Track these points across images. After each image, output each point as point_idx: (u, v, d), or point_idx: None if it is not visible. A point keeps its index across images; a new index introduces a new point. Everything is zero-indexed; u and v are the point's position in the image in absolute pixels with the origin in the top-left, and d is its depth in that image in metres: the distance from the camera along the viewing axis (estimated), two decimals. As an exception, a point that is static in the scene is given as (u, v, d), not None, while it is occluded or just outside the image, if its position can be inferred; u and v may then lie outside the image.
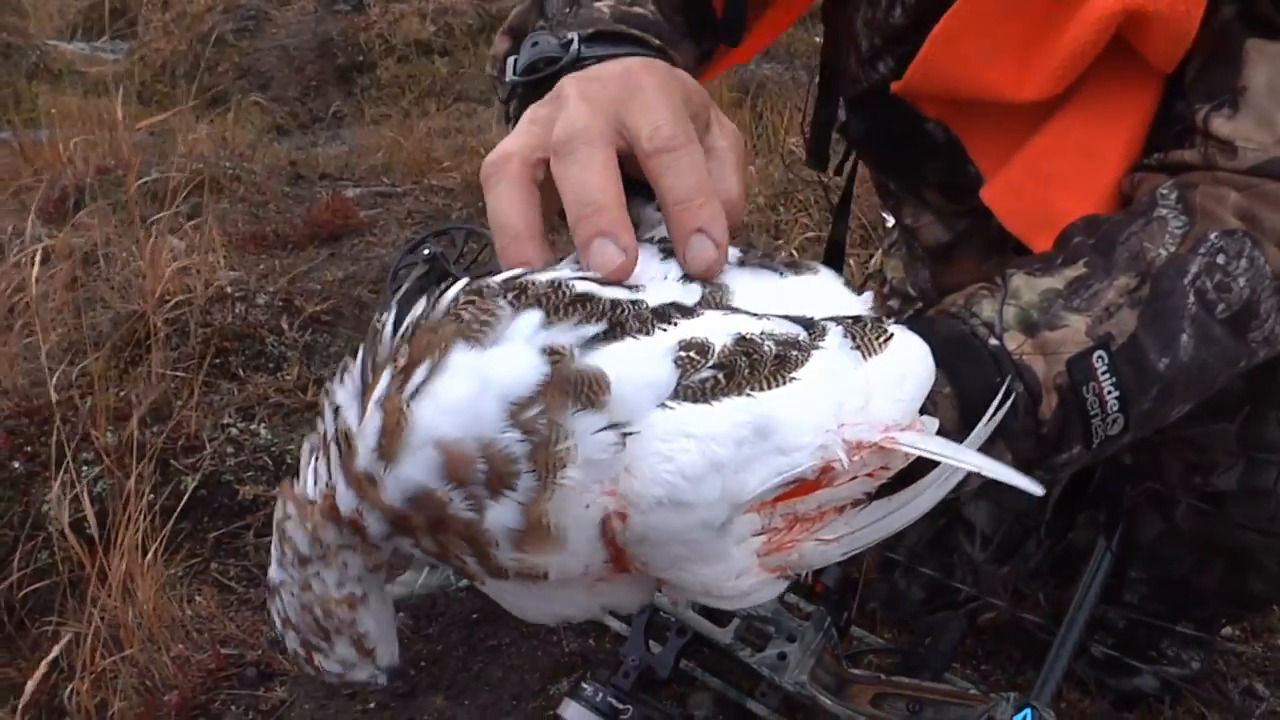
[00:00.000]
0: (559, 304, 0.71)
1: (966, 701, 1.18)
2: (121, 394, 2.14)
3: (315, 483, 0.79)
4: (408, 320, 0.75)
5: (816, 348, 0.72)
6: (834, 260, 1.64)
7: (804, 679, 1.23)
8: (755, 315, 0.75)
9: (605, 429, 0.67)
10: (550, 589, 0.74)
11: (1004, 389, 0.86)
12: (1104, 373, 0.92)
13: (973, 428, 0.77)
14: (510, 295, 0.72)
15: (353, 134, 4.69)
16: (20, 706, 1.56)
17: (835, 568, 1.30)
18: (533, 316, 0.70)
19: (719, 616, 1.31)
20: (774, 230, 2.89)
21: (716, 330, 0.72)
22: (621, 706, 1.25)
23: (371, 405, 0.73)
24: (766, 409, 0.68)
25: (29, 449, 2.07)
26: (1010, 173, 1.16)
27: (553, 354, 0.69)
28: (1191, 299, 0.95)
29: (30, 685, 1.57)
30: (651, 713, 1.26)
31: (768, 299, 0.79)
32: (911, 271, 1.72)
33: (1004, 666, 1.62)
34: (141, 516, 1.71)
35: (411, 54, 5.27)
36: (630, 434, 0.67)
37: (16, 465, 2.04)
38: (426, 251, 1.58)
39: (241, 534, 1.93)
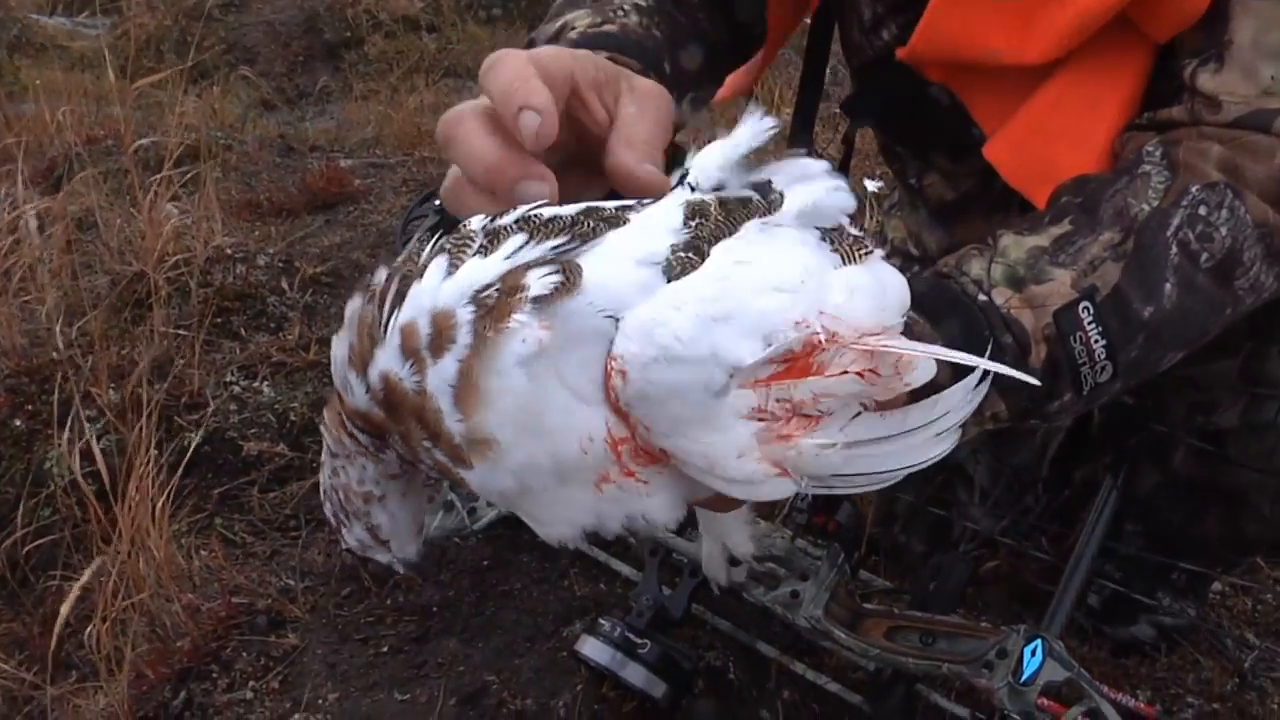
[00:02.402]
0: (536, 226, 0.76)
1: (979, 634, 1.21)
2: (123, 352, 2.14)
3: (334, 398, 0.86)
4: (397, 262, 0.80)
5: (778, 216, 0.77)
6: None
7: (818, 614, 1.25)
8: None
9: (554, 273, 0.72)
10: (552, 486, 0.77)
11: (992, 342, 0.91)
12: (1090, 322, 0.96)
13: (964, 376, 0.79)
14: (485, 229, 0.77)
15: (341, 109, 4.68)
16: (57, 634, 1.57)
17: (847, 505, 1.32)
18: (516, 239, 0.75)
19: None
20: (769, 199, 2.91)
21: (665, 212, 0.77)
22: (639, 641, 1.27)
23: (350, 322, 0.80)
24: (742, 282, 0.72)
25: (30, 408, 2.07)
26: (1012, 130, 1.20)
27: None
28: (1174, 250, 0.99)
29: (65, 608, 1.58)
30: (668, 649, 1.28)
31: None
32: (915, 231, 1.74)
33: (1004, 616, 1.65)
34: (150, 468, 1.71)
35: (399, 30, 5.26)
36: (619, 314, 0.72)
37: (18, 423, 2.04)
38: (438, 202, 1.60)
39: (246, 490, 1.94)
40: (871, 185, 2.73)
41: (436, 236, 0.79)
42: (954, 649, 1.21)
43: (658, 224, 0.76)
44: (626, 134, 0.91)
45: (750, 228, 0.76)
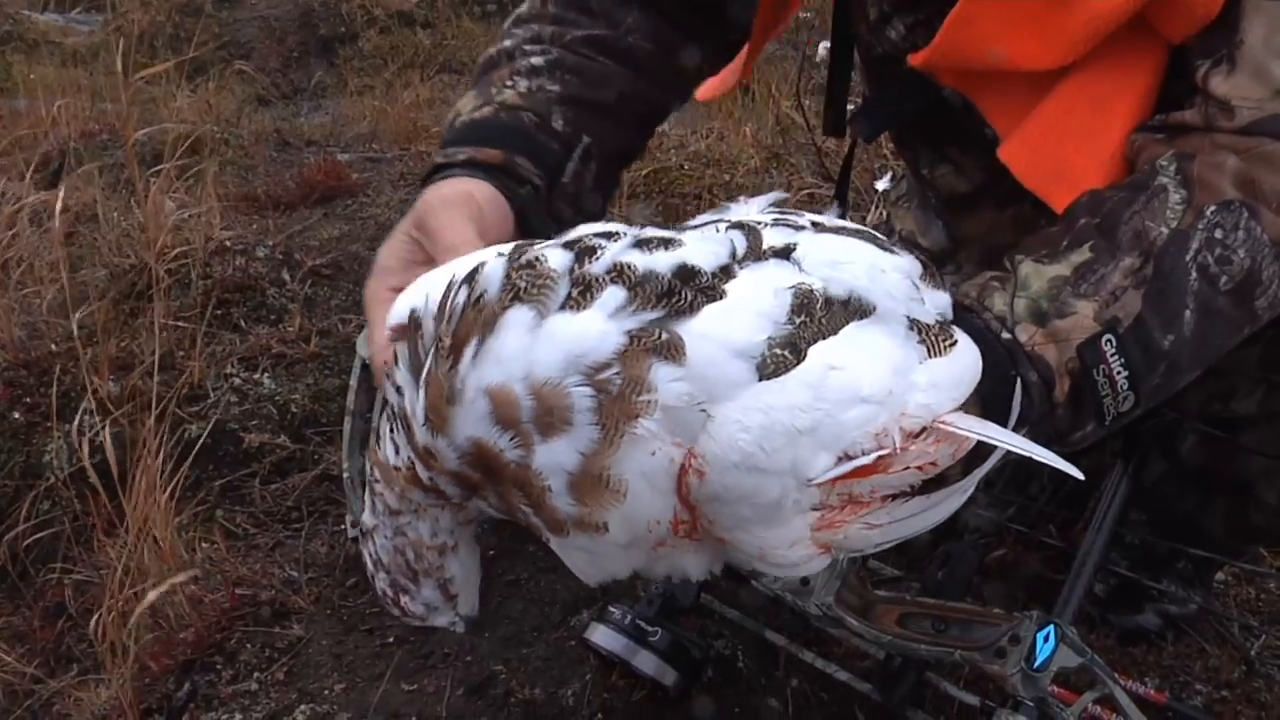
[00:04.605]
0: (633, 283, 0.77)
1: (991, 620, 1.20)
2: (122, 345, 2.13)
3: (397, 452, 0.85)
4: (449, 303, 0.81)
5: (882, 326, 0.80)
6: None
7: (830, 600, 1.24)
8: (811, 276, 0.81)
9: (681, 380, 0.72)
10: (615, 550, 0.78)
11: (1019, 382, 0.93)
12: (1113, 355, 0.97)
13: (992, 418, 0.84)
14: (574, 258, 0.78)
15: (336, 105, 4.67)
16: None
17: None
18: (615, 295, 0.76)
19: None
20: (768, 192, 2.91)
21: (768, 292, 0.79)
22: (650, 629, 1.26)
23: (421, 384, 0.80)
24: (833, 392, 0.74)
25: (28, 400, 2.06)
26: (1025, 131, 1.19)
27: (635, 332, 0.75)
28: (1194, 275, 1.00)
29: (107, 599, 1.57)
30: (679, 637, 1.28)
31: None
32: (924, 223, 1.74)
33: (1011, 606, 1.64)
34: (153, 459, 1.70)
35: (394, 25, 5.25)
36: (709, 408, 0.73)
37: (16, 416, 2.03)
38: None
39: (248, 482, 1.93)
40: (880, 184, 2.73)
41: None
42: (966, 635, 1.20)
43: (759, 309, 0.77)
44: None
45: (849, 330, 0.78)
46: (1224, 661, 1.57)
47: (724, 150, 3.15)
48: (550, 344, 0.74)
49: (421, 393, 0.80)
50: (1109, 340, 0.96)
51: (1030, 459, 0.79)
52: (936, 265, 1.68)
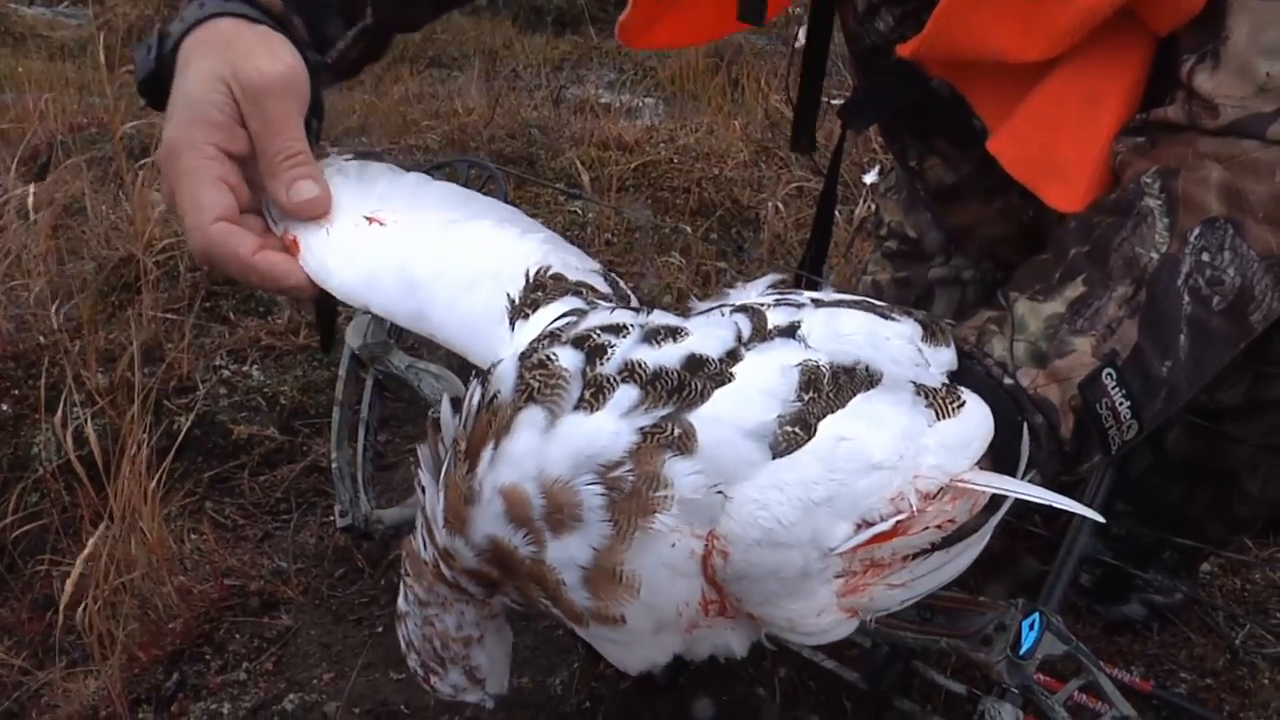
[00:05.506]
0: (645, 381, 0.78)
1: (977, 608, 1.21)
2: (111, 337, 2.13)
3: (425, 548, 0.88)
4: (465, 404, 0.83)
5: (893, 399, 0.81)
6: (823, 218, 1.68)
7: (817, 589, 1.25)
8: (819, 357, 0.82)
9: (698, 472, 0.74)
10: (644, 637, 0.81)
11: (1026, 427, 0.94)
12: (1114, 388, 0.98)
13: (1002, 466, 0.87)
14: (585, 358, 0.79)
15: (324, 98, 4.65)
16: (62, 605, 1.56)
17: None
18: (628, 394, 0.77)
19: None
20: (757, 185, 2.92)
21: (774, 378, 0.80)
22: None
23: (440, 486, 0.83)
24: (844, 463, 0.76)
25: (16, 392, 2.05)
26: (1014, 123, 1.20)
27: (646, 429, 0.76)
28: (1186, 299, 1.01)
29: (69, 586, 1.58)
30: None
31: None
32: (912, 214, 1.74)
33: (997, 596, 1.65)
34: (141, 450, 1.70)
35: (383, 19, 5.22)
36: (726, 489, 0.74)
37: (4, 408, 2.02)
38: (432, 181, 1.59)
39: (236, 474, 1.92)
40: (869, 178, 2.73)
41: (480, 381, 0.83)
42: (953, 623, 1.21)
43: (768, 388, 0.78)
44: (266, 162, 0.95)
45: (856, 402, 0.79)
46: (1209, 650, 1.58)
47: (713, 144, 3.16)
48: (562, 444, 0.75)
49: (441, 495, 0.82)
50: (1109, 374, 0.98)
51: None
52: (925, 259, 1.72)
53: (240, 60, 0.95)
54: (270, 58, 0.96)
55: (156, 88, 1.02)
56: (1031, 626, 1.18)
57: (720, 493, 0.74)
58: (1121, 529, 1.63)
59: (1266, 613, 1.69)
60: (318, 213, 0.96)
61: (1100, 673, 1.16)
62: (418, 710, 1.39)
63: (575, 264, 0.97)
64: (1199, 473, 1.51)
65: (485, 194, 1.62)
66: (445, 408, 0.85)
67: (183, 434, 1.90)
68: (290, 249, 0.94)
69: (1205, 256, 1.01)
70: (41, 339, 2.13)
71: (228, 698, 1.45)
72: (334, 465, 1.52)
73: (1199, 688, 1.52)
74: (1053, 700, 1.12)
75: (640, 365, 0.78)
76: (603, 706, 1.36)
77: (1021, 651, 1.16)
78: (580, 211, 2.76)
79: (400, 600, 0.94)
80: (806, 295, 0.92)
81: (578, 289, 0.93)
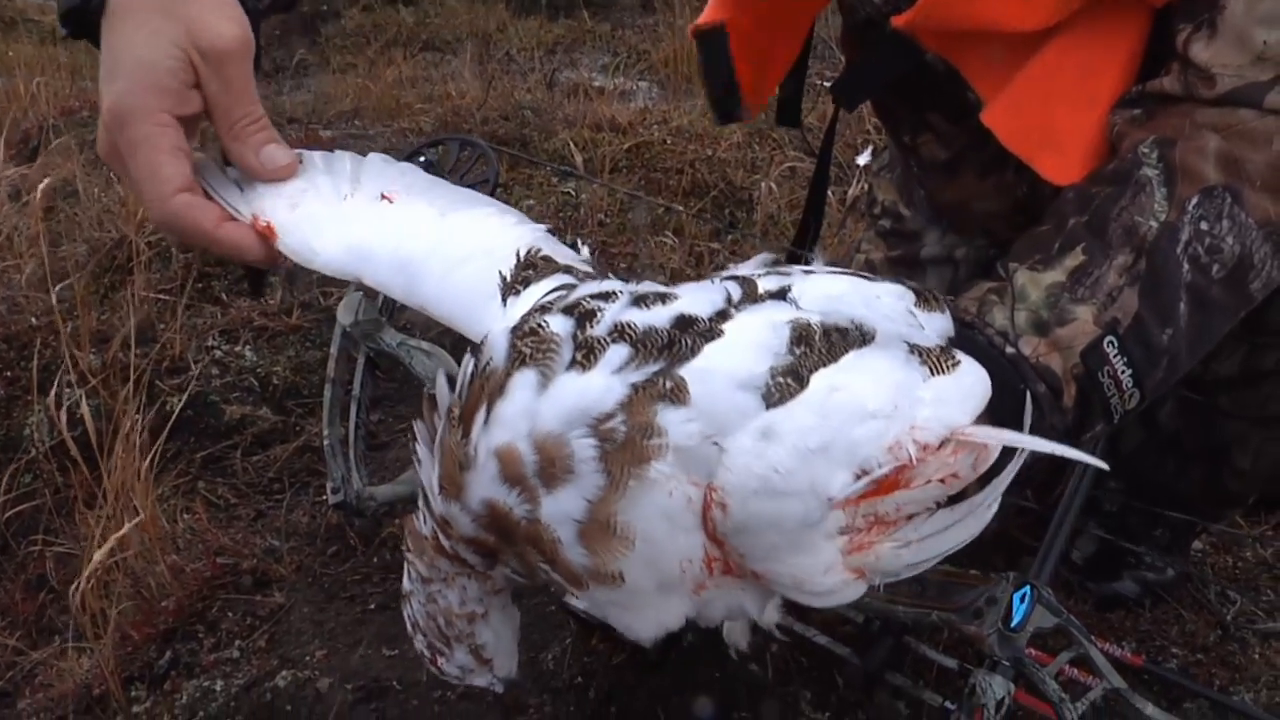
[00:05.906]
0: (636, 340, 0.78)
1: (969, 582, 1.21)
2: (103, 318, 2.12)
3: (424, 522, 0.87)
4: (459, 376, 0.83)
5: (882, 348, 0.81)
6: (816, 198, 1.68)
7: (808, 563, 1.25)
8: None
9: (691, 420, 0.74)
10: (647, 597, 0.80)
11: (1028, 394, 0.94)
12: (1116, 356, 0.98)
13: None
14: (575, 323, 0.79)
15: (318, 83, 4.63)
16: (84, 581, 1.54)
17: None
18: (619, 352, 0.77)
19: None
20: (751, 166, 2.92)
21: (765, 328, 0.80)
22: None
23: (435, 454, 0.82)
24: (838, 411, 0.75)
25: (8, 374, 2.05)
26: (1010, 94, 1.19)
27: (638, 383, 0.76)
28: (1186, 267, 1.01)
29: (98, 557, 1.56)
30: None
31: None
32: (907, 191, 1.74)
33: (988, 570, 1.65)
34: (134, 431, 1.70)
35: (376, 3, 5.23)
36: (721, 441, 0.74)
37: (-3, 389, 2.02)
38: (423, 159, 1.59)
39: (229, 454, 1.92)
40: (862, 158, 2.73)
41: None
42: (944, 597, 1.21)
43: (759, 341, 0.78)
44: (229, 127, 0.95)
45: (849, 357, 0.79)
46: (1200, 626, 1.59)
47: (707, 125, 3.15)
48: (554, 401, 0.75)
49: (436, 463, 0.82)
50: (1111, 342, 0.98)
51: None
52: (918, 238, 1.71)
53: (195, 22, 0.92)
54: (223, 17, 0.94)
55: (82, 21, 0.98)
56: (1022, 600, 1.18)
57: (715, 444, 0.74)
58: (1113, 505, 1.63)
59: (1257, 589, 1.69)
60: (287, 177, 0.97)
61: (1091, 645, 1.16)
62: (410, 686, 1.39)
63: (566, 253, 0.98)
64: (1190, 449, 1.51)
65: (477, 173, 1.63)
66: (441, 382, 0.84)
67: (175, 414, 1.90)
68: (265, 234, 0.94)
69: (1204, 225, 1.01)
70: (34, 320, 2.13)
71: (220, 675, 1.45)
72: (326, 442, 1.52)
73: (1190, 663, 1.52)
74: (1043, 673, 1.12)
75: (630, 326, 0.78)
76: (595, 681, 1.36)
77: (1013, 624, 1.16)
78: (574, 192, 2.75)
79: (404, 579, 0.94)
80: (797, 268, 0.93)
81: (567, 269, 0.93)
